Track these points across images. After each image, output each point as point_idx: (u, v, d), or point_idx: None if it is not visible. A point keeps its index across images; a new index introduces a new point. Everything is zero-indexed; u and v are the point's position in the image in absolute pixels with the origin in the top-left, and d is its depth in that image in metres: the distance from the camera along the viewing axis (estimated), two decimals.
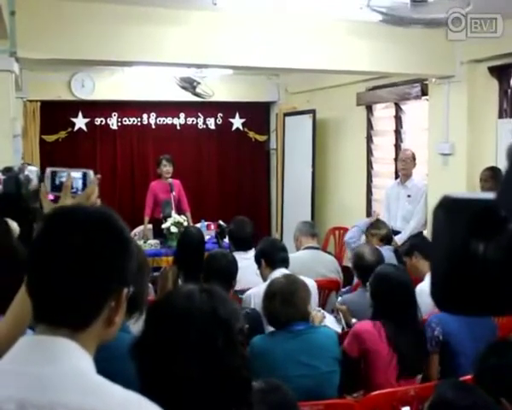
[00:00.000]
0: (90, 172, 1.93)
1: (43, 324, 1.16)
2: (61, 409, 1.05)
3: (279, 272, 3.94)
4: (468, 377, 2.75)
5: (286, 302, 3.02)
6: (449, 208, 0.71)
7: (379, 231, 5.29)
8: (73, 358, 1.12)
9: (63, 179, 1.90)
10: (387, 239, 5.34)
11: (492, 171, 5.33)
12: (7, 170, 2.32)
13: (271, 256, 4.09)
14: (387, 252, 5.13)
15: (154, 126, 9.29)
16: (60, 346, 1.13)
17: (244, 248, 4.71)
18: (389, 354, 3.19)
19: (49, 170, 1.94)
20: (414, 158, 6.36)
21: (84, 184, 1.90)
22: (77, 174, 1.91)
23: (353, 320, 3.78)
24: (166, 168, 7.24)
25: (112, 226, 1.21)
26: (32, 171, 2.09)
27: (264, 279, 4.09)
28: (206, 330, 1.35)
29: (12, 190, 1.99)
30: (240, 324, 1.40)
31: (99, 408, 1.06)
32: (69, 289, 1.14)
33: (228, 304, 1.43)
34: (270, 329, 3.48)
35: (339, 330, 3.79)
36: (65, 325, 1.14)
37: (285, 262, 4.10)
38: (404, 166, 6.36)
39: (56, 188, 1.89)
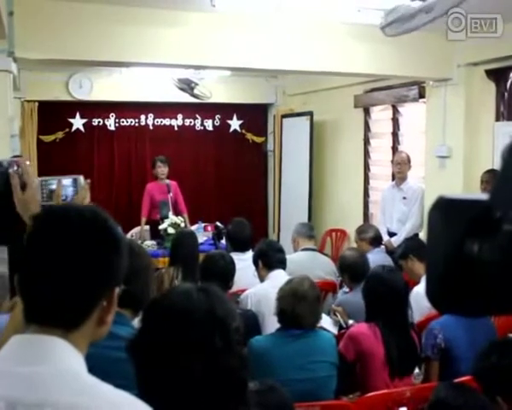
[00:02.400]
0: (81, 178, 1.91)
1: (34, 324, 1.15)
2: (52, 408, 1.05)
3: (276, 273, 3.96)
4: (465, 378, 2.77)
5: (313, 306, 3.05)
6: (444, 209, 0.71)
7: (366, 235, 5.36)
8: (65, 357, 1.12)
9: (53, 187, 1.87)
10: (377, 241, 5.39)
11: (494, 173, 5.33)
12: None
13: (268, 257, 4.09)
14: (380, 254, 5.17)
15: (151, 127, 9.29)
16: (52, 345, 1.12)
17: (242, 249, 4.72)
18: (385, 355, 3.20)
19: (37, 180, 1.92)
20: (409, 160, 6.37)
21: (75, 191, 1.88)
22: (67, 181, 1.89)
23: (350, 322, 3.79)
24: (161, 169, 7.26)
25: (102, 225, 1.21)
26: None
27: (262, 280, 4.10)
28: (204, 328, 1.35)
29: (1, 187, 1.95)
30: (236, 323, 1.40)
31: (91, 408, 1.06)
32: (61, 289, 1.14)
33: (224, 303, 1.43)
34: (268, 330, 3.49)
35: (335, 331, 3.80)
36: (57, 325, 1.14)
37: (282, 263, 4.11)
38: (399, 169, 6.37)
39: (47, 196, 1.87)
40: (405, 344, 3.27)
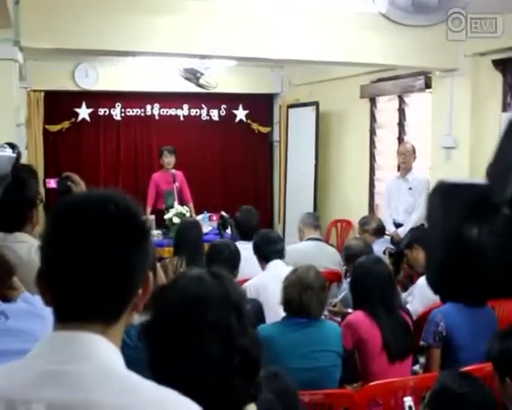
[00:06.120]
0: None
1: (71, 320, 1.08)
2: (95, 409, 1.00)
3: (274, 264, 3.98)
4: (470, 367, 2.79)
5: (319, 295, 3.07)
6: (444, 193, 0.72)
7: (368, 226, 5.38)
8: (106, 355, 1.06)
9: None
10: (380, 231, 5.40)
11: None
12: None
13: (262, 250, 4.12)
14: (384, 244, 5.19)
15: (157, 117, 9.29)
16: (90, 342, 1.06)
17: (248, 238, 4.74)
18: (381, 339, 3.23)
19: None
20: (414, 151, 6.34)
21: None
22: None
23: (349, 310, 3.81)
24: (167, 159, 7.27)
25: (131, 210, 1.14)
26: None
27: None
28: (221, 312, 1.37)
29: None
30: (248, 306, 1.43)
31: (134, 406, 1.01)
32: (104, 283, 1.08)
33: (236, 287, 1.47)
34: (267, 320, 3.49)
35: (338, 318, 3.83)
36: (97, 321, 1.08)
37: (278, 253, 4.10)
38: (404, 160, 6.34)
39: None
40: (400, 328, 3.30)
